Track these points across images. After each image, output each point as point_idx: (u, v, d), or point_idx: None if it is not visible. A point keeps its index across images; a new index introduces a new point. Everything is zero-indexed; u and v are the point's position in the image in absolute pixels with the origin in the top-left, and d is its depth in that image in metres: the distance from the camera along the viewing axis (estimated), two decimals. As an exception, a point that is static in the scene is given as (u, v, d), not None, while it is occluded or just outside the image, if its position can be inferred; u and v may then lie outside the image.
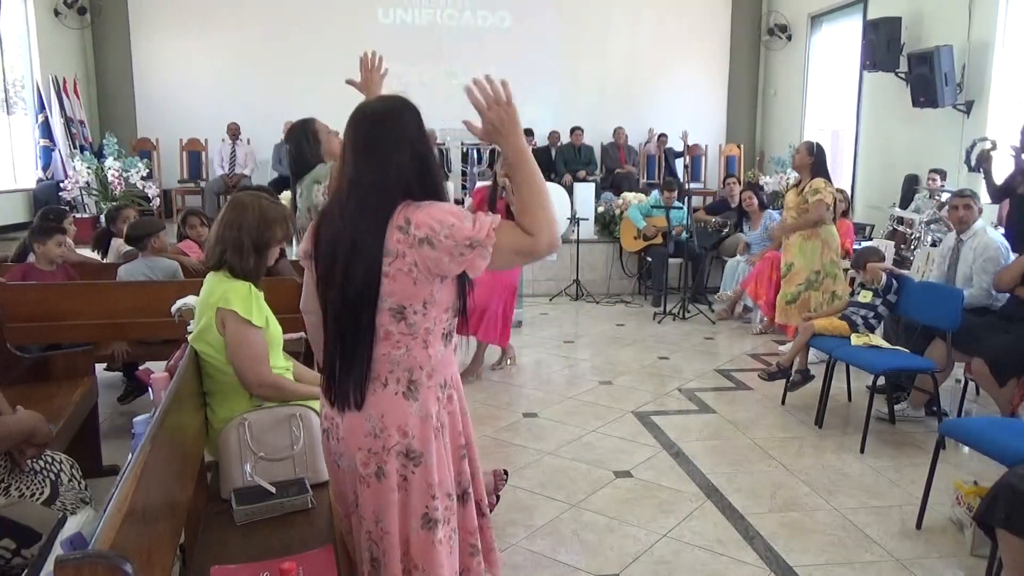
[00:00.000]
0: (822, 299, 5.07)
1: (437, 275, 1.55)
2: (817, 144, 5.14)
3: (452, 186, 8.34)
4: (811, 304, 5.06)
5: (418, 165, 1.60)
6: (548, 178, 6.90)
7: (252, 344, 2.29)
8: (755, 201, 6.87)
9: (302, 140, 3.11)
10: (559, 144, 9.78)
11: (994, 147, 5.22)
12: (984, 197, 5.11)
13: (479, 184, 5.13)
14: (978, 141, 5.63)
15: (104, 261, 4.81)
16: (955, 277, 4.25)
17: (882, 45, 7.35)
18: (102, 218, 6.14)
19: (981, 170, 5.35)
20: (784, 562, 2.69)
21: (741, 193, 7.30)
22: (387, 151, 1.58)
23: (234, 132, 9.01)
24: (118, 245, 4.66)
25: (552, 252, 1.59)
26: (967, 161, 6.08)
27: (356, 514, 1.67)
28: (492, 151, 9.16)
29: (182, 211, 6.06)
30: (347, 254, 1.56)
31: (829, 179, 5.09)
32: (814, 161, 5.04)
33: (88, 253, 5.09)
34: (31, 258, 4.12)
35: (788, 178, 8.44)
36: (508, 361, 5.17)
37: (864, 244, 5.67)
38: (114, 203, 6.80)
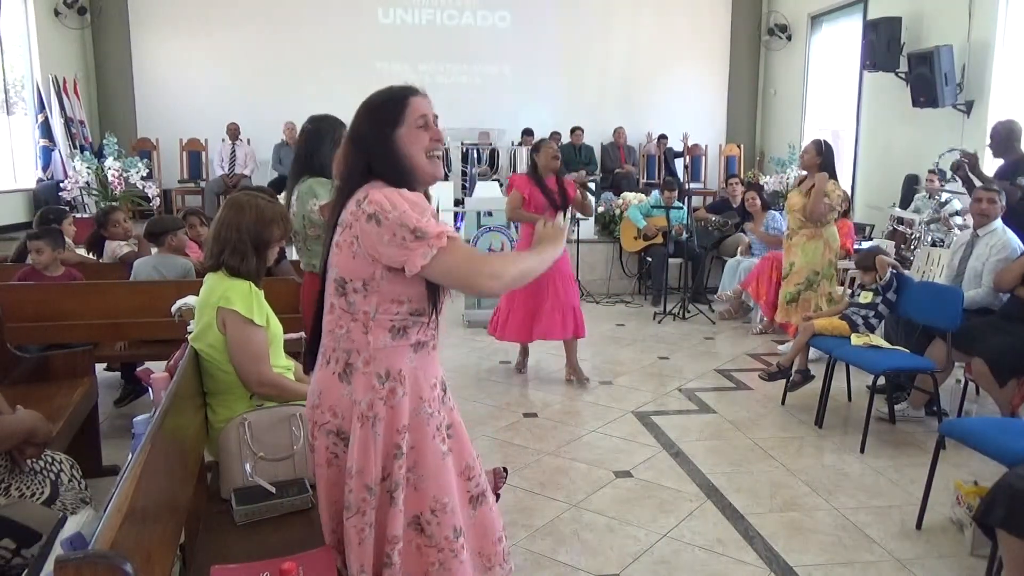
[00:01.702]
0: (819, 301, 5.06)
1: (372, 256, 1.57)
2: (825, 143, 5.09)
3: (452, 185, 8.34)
4: (811, 305, 5.06)
5: (387, 151, 1.66)
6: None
7: (253, 343, 2.29)
8: (758, 202, 6.86)
9: (325, 141, 2.97)
10: (558, 144, 9.77)
11: (965, 156, 5.26)
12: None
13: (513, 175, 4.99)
14: (947, 152, 5.68)
15: (100, 262, 4.80)
16: (965, 272, 4.21)
17: (882, 45, 7.35)
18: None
19: (957, 178, 5.39)
20: (784, 562, 2.69)
21: (744, 193, 7.29)
22: (359, 135, 1.69)
23: (234, 132, 9.02)
24: (113, 247, 4.66)
25: (485, 294, 1.73)
26: (937, 170, 6.14)
27: None
28: (492, 151, 9.17)
29: (182, 211, 6.07)
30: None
31: (836, 178, 5.07)
32: (823, 160, 5.01)
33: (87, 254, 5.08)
34: (30, 258, 4.13)
35: (788, 178, 8.44)
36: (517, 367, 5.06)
37: (868, 245, 5.65)
38: (103, 206, 6.79)
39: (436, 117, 1.72)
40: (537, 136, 9.70)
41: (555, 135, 9.82)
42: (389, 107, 1.67)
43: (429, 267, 1.54)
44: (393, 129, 1.66)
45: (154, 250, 4.49)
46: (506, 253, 1.67)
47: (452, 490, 1.71)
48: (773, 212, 6.87)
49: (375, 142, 1.66)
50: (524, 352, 5.09)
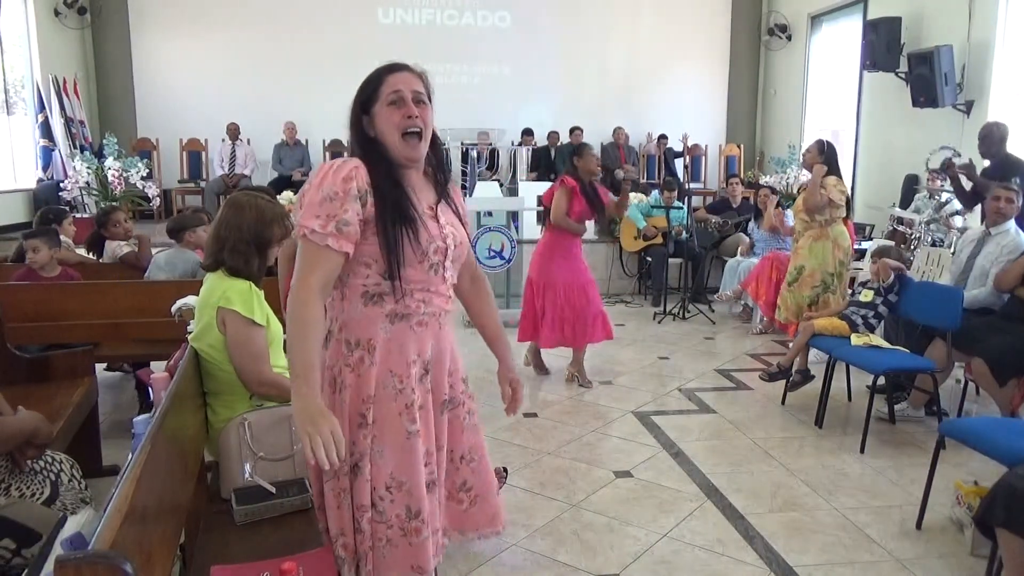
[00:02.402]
0: (838, 301, 4.97)
1: None
2: (828, 142, 5.07)
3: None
4: (830, 306, 4.98)
5: (358, 131, 1.69)
6: (548, 178, 6.97)
7: (253, 342, 2.29)
8: (774, 199, 6.81)
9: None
10: (558, 144, 9.78)
11: (956, 155, 5.26)
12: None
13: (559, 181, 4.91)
14: (940, 149, 5.69)
15: (100, 261, 4.80)
16: (972, 269, 4.19)
17: (882, 45, 7.35)
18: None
19: (948, 177, 5.40)
20: (784, 562, 2.69)
21: (759, 191, 7.26)
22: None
23: (234, 132, 9.01)
24: (113, 247, 4.67)
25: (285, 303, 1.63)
26: (927, 168, 6.16)
27: None
28: (492, 151, 9.17)
29: (186, 210, 6.07)
30: None
31: (840, 177, 5.06)
32: (825, 160, 5.00)
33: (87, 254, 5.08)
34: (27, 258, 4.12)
35: (788, 178, 8.44)
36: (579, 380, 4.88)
37: (868, 245, 5.64)
38: (103, 206, 6.79)
39: (420, 93, 1.66)
40: (537, 136, 9.73)
41: (553, 135, 9.84)
42: (366, 86, 1.68)
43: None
44: (369, 108, 1.66)
45: (155, 250, 4.51)
46: (310, 323, 1.51)
47: (412, 471, 1.66)
48: (783, 211, 6.84)
49: (352, 124, 1.68)
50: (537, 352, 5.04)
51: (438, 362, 1.75)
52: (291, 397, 1.48)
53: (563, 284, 4.70)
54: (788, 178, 8.43)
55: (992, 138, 5.06)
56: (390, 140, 1.64)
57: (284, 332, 1.67)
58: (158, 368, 2.99)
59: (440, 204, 1.73)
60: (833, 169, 5.01)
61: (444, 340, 1.76)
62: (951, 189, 5.68)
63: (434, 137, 1.72)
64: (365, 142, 1.67)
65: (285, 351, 1.64)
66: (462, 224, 1.79)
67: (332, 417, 1.44)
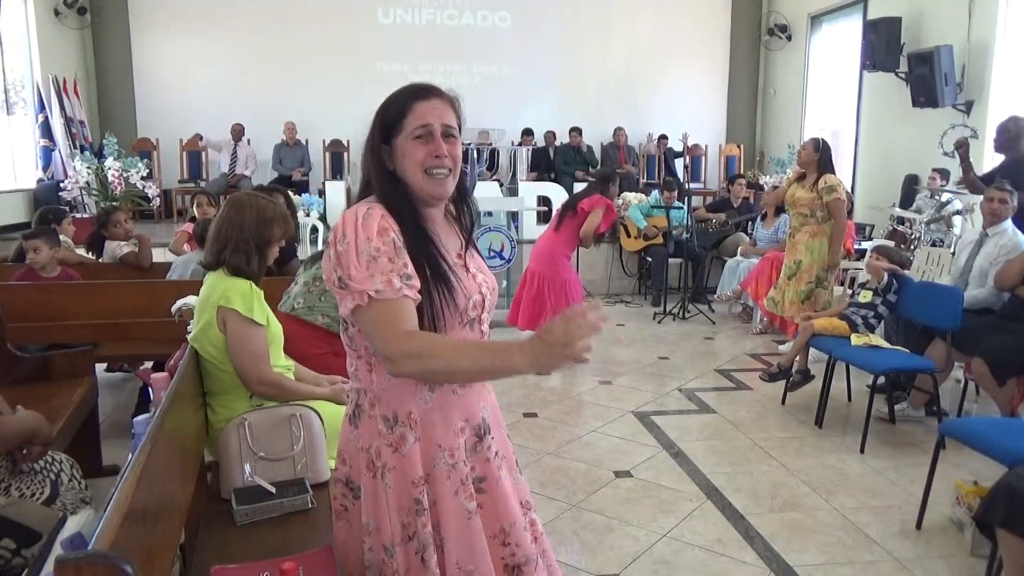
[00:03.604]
0: (830, 298, 5.04)
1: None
2: (823, 140, 5.12)
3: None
4: (821, 302, 5.03)
5: (376, 162, 1.46)
6: (548, 178, 6.97)
7: (253, 342, 2.29)
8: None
9: None
10: (557, 144, 9.78)
11: (975, 135, 5.20)
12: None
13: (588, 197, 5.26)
14: (951, 130, 5.65)
15: (100, 261, 4.80)
16: (972, 270, 4.19)
17: (882, 45, 7.36)
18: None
19: (957, 155, 5.32)
20: (784, 562, 2.69)
21: (765, 192, 7.28)
22: (367, 140, 1.48)
23: (237, 133, 8.98)
24: (113, 247, 4.67)
25: (393, 372, 1.36)
26: (941, 144, 6.15)
27: None
28: (492, 151, 9.16)
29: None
30: None
31: (834, 173, 5.08)
32: (820, 157, 5.02)
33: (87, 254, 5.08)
34: (28, 258, 4.12)
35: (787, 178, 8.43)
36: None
37: (880, 243, 5.63)
38: (104, 206, 6.79)
39: (451, 127, 1.43)
40: (537, 136, 9.73)
41: (549, 135, 9.84)
42: (390, 111, 1.44)
43: (354, 318, 1.37)
44: (391, 137, 1.43)
45: (156, 251, 4.51)
46: (450, 340, 1.38)
47: (480, 556, 1.44)
48: (785, 216, 6.83)
49: (369, 151, 1.45)
50: None
51: (495, 422, 1.55)
52: (514, 360, 1.25)
53: (564, 281, 5.16)
54: (786, 178, 8.42)
55: (1009, 133, 4.94)
56: (412, 178, 1.42)
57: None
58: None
59: (467, 250, 1.53)
60: (828, 167, 5.03)
61: (487, 399, 1.55)
62: (952, 190, 5.69)
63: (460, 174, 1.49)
64: (386, 177, 1.44)
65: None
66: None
67: (542, 332, 1.23)
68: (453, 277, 1.42)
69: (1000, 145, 5.03)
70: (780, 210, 6.83)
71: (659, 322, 6.61)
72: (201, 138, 8.52)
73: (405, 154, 1.42)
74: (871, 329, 4.14)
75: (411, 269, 1.36)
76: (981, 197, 4.42)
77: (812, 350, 4.34)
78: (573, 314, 1.21)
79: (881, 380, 3.97)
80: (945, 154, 6.09)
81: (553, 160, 9.61)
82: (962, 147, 5.10)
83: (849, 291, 5.11)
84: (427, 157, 1.41)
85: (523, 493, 1.62)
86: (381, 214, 1.38)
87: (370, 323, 1.33)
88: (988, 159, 5.35)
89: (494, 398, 1.59)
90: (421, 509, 1.42)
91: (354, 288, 1.32)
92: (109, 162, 7.78)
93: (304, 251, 5.88)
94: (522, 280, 5.40)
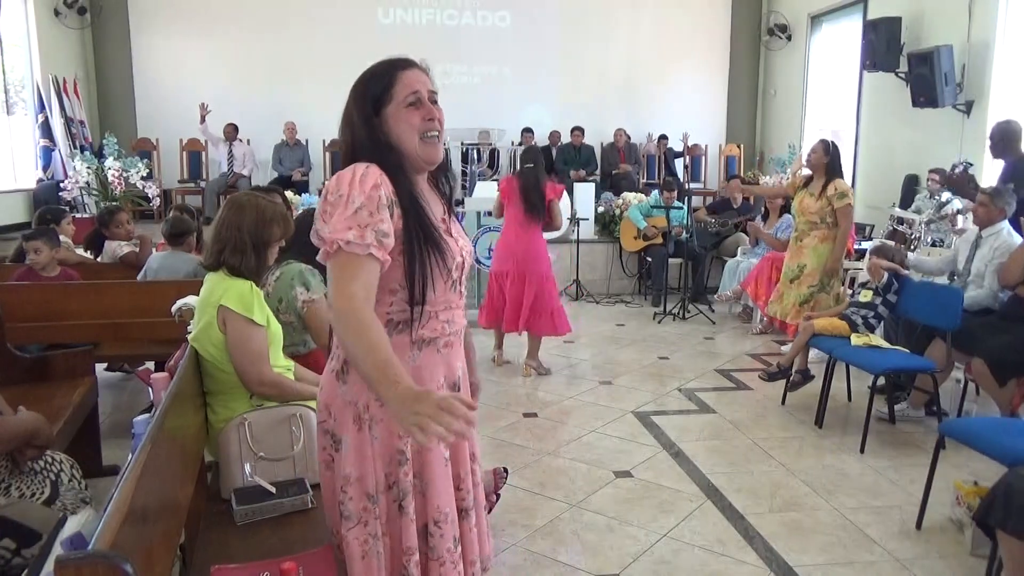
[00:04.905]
0: (830, 302, 5.01)
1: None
2: (833, 143, 5.06)
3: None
4: (822, 306, 5.00)
5: (369, 133, 1.52)
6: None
7: (253, 342, 2.29)
8: (780, 200, 6.79)
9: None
10: (559, 144, 9.78)
11: (969, 165, 5.24)
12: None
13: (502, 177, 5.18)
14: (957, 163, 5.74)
15: (99, 261, 4.81)
16: (970, 271, 4.20)
17: (882, 45, 7.35)
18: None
19: (956, 185, 5.41)
20: (784, 562, 2.69)
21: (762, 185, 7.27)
22: (347, 114, 1.56)
23: (231, 133, 8.96)
24: (113, 247, 4.67)
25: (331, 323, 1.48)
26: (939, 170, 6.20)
27: None
28: (492, 151, 9.16)
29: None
30: None
31: (843, 176, 5.06)
32: (830, 160, 4.99)
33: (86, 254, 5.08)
34: (28, 259, 4.12)
35: (788, 178, 8.42)
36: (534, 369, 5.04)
37: (882, 242, 5.62)
38: (105, 206, 6.78)
39: (434, 92, 1.54)
40: (537, 136, 9.73)
41: (555, 134, 9.84)
42: (375, 83, 1.52)
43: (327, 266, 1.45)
44: (380, 108, 1.51)
45: (153, 249, 4.50)
46: (377, 332, 1.35)
47: (451, 499, 1.58)
48: (788, 216, 6.82)
49: (358, 123, 1.51)
50: (500, 345, 5.28)
51: (463, 376, 1.67)
52: (384, 386, 1.28)
53: (539, 275, 4.96)
54: (787, 178, 8.41)
55: (1005, 137, 4.89)
56: (408, 144, 1.51)
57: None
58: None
59: (449, 216, 1.63)
60: (837, 170, 5.01)
61: (462, 356, 1.67)
62: (951, 191, 5.70)
63: None
64: (380, 146, 1.50)
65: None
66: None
67: (425, 390, 1.26)
68: (442, 239, 1.52)
69: (996, 153, 5.03)
70: (783, 210, 6.83)
71: (659, 322, 6.61)
72: (204, 118, 8.43)
73: (399, 120, 1.51)
74: (871, 329, 4.14)
75: (388, 227, 1.43)
76: None
77: (812, 350, 4.34)
78: (450, 403, 1.19)
79: (881, 380, 3.97)
80: (932, 173, 6.15)
81: (554, 160, 9.61)
82: (958, 178, 5.12)
83: (849, 291, 5.10)
84: (421, 121, 1.51)
85: (473, 445, 1.71)
86: (379, 172, 1.46)
87: (331, 270, 1.42)
88: (987, 161, 5.35)
89: (464, 355, 1.70)
90: (404, 459, 1.52)
91: (326, 235, 1.40)
92: (109, 162, 7.77)
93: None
94: (511, 284, 4.94)
